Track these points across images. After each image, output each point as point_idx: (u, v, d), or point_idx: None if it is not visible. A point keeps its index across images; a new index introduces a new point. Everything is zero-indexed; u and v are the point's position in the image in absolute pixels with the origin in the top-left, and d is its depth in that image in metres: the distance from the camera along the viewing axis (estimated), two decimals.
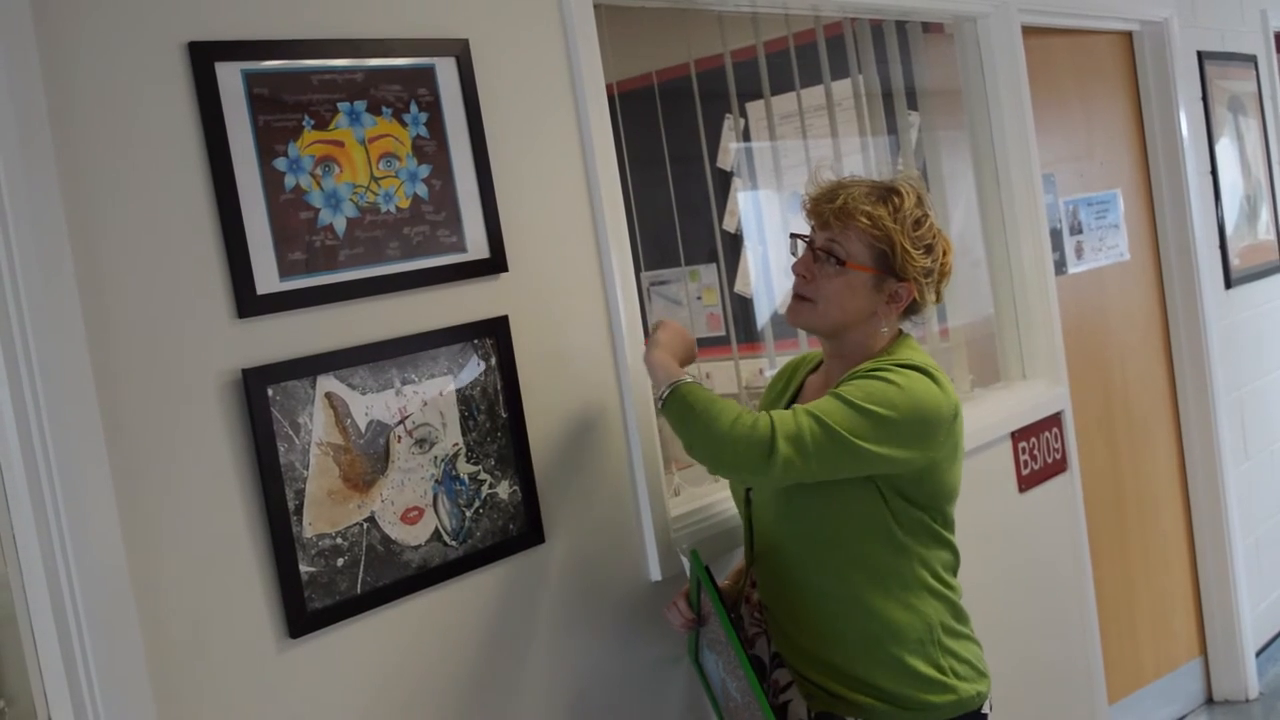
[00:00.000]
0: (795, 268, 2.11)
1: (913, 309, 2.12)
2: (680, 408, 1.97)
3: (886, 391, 1.96)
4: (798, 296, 2.11)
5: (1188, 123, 4.29)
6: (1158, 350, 4.29)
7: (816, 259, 2.08)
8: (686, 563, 2.16)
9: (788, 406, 2.18)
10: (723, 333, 3.80)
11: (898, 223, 2.04)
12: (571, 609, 2.21)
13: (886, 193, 2.08)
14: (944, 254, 2.12)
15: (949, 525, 2.12)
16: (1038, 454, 3.37)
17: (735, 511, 2.29)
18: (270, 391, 1.81)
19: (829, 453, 1.92)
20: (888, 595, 2.04)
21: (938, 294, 2.14)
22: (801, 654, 2.09)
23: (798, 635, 2.10)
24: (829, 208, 2.07)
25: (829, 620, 2.06)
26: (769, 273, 3.68)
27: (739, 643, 2.00)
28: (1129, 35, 4.24)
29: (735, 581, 2.31)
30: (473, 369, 2.07)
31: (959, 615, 2.14)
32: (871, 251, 2.05)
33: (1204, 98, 4.45)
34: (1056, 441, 3.45)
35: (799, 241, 2.13)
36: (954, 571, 2.14)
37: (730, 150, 3.97)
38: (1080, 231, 3.95)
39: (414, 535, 1.97)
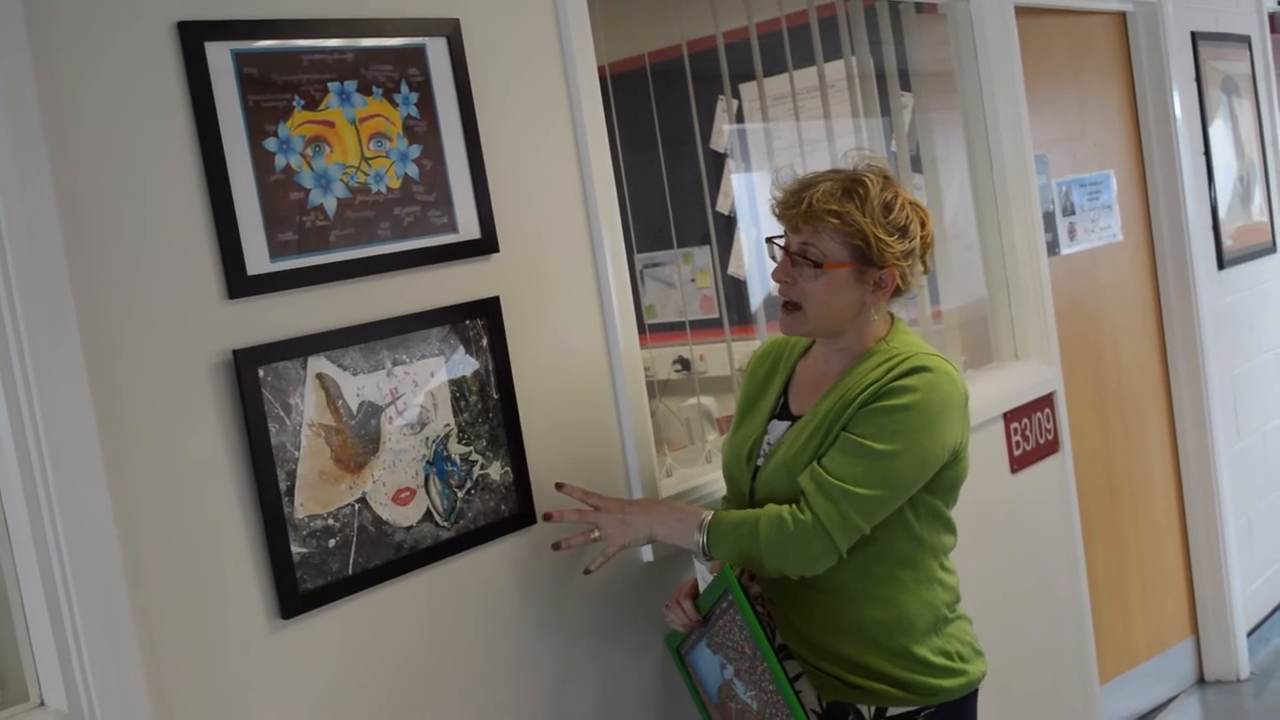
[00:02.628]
0: (775, 275, 2.09)
1: (899, 291, 2.10)
2: (727, 546, 2.02)
3: (902, 422, 1.97)
4: (785, 305, 2.09)
5: (1181, 104, 4.29)
6: (1150, 331, 4.30)
7: (794, 263, 2.06)
8: (700, 567, 2.15)
9: (780, 396, 2.19)
10: (716, 315, 3.80)
11: (867, 214, 2.01)
12: (562, 589, 2.21)
13: (851, 185, 2.04)
14: (922, 227, 2.08)
15: (954, 503, 2.14)
16: (1030, 435, 3.37)
17: (726, 492, 2.28)
18: (261, 372, 1.81)
19: (878, 512, 1.99)
20: (901, 587, 2.06)
21: (925, 265, 2.13)
22: (810, 645, 2.10)
23: (805, 627, 2.10)
24: (796, 212, 2.04)
25: (840, 613, 2.06)
26: (763, 254, 3.67)
27: (777, 661, 2.00)
28: (1123, 15, 4.24)
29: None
30: (464, 350, 2.07)
31: (956, 599, 2.16)
32: (847, 247, 2.03)
33: (1198, 79, 4.44)
34: (1049, 422, 3.46)
35: (775, 246, 2.11)
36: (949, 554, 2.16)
37: (724, 131, 3.96)
38: (1073, 213, 3.95)
39: (406, 516, 1.97)
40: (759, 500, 2.10)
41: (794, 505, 1.98)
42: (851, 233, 2.02)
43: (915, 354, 2.05)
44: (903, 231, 2.05)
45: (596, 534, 2.10)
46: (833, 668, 2.07)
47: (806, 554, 1.97)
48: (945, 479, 2.07)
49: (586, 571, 2.13)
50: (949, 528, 2.13)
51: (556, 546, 2.11)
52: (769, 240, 2.12)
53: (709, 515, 2.05)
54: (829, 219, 2.02)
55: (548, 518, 2.11)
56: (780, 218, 2.10)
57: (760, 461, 2.13)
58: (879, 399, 1.99)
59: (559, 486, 2.12)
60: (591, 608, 2.26)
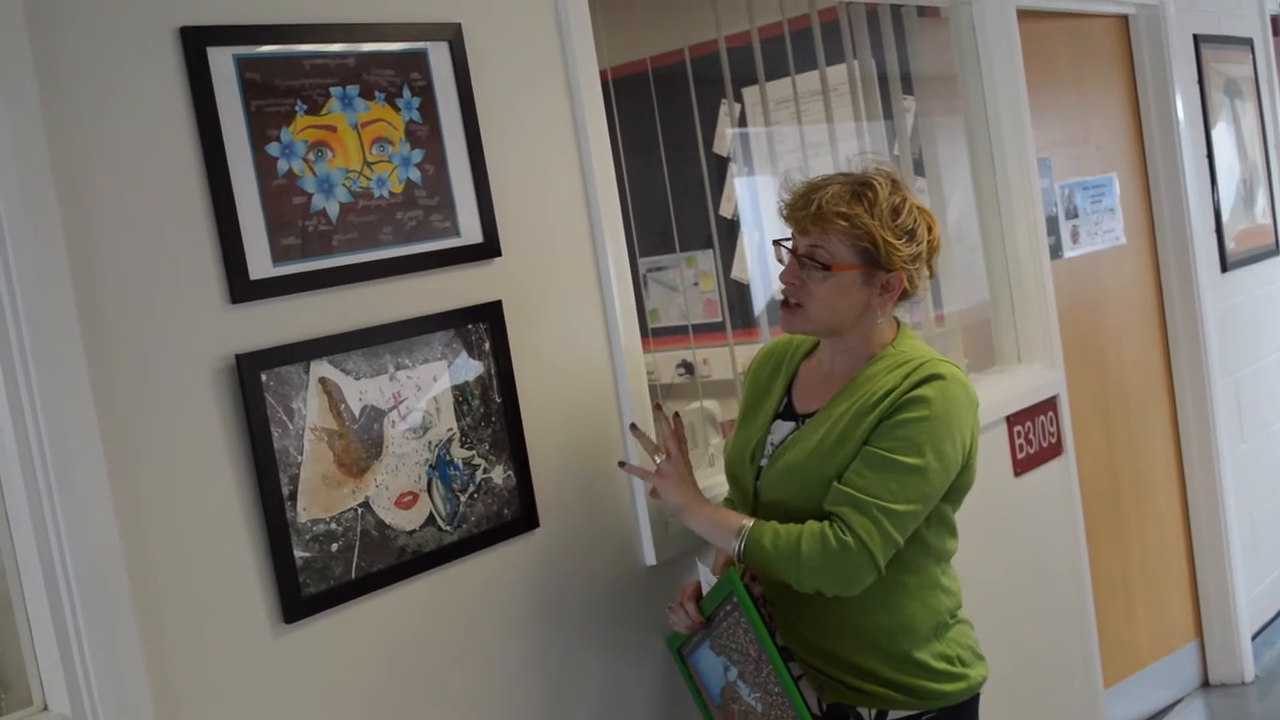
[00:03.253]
0: (783, 276, 2.09)
1: (906, 295, 2.10)
2: (763, 557, 1.99)
3: (926, 433, 1.97)
4: (787, 304, 2.09)
5: (1184, 106, 4.29)
6: (1154, 334, 4.30)
7: (802, 265, 2.06)
8: (703, 569, 2.14)
9: (784, 396, 2.19)
10: (720, 318, 3.81)
11: (876, 217, 2.02)
12: (565, 593, 2.21)
13: (860, 188, 2.05)
14: (929, 231, 2.09)
15: (959, 508, 2.14)
16: (1033, 438, 3.37)
17: (729, 494, 2.28)
18: (264, 377, 1.81)
19: (913, 525, 2.00)
20: (906, 592, 2.06)
21: (930, 269, 2.13)
22: (812, 648, 2.09)
23: (808, 630, 2.09)
24: (805, 214, 2.04)
25: (843, 617, 2.06)
26: (765, 258, 3.67)
27: (783, 664, 2.00)
28: (1125, 18, 4.24)
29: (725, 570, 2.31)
30: (466, 354, 2.07)
31: (958, 604, 2.16)
32: (855, 250, 2.03)
33: (1200, 81, 4.44)
34: (1052, 425, 3.46)
35: (782, 249, 2.11)
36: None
37: (726, 135, 3.97)
38: (1076, 216, 3.95)
39: (408, 520, 1.98)
40: (764, 501, 2.10)
41: (832, 524, 1.96)
42: (860, 235, 2.02)
43: (928, 360, 2.05)
44: (910, 235, 2.05)
45: (660, 459, 2.13)
46: (834, 670, 2.07)
47: (850, 574, 1.95)
48: (956, 485, 2.07)
49: (621, 464, 2.21)
50: (953, 533, 2.14)
51: (622, 465, 2.22)
52: (776, 243, 2.12)
53: (749, 523, 2.02)
54: (838, 221, 2.02)
55: (621, 465, 2.21)
56: (788, 220, 2.10)
57: (764, 462, 2.13)
58: (899, 410, 1.99)
59: (633, 428, 2.22)
60: (594, 611, 2.26)
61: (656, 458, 2.13)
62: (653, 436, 2.21)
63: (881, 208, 2.03)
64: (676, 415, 2.15)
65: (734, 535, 2.02)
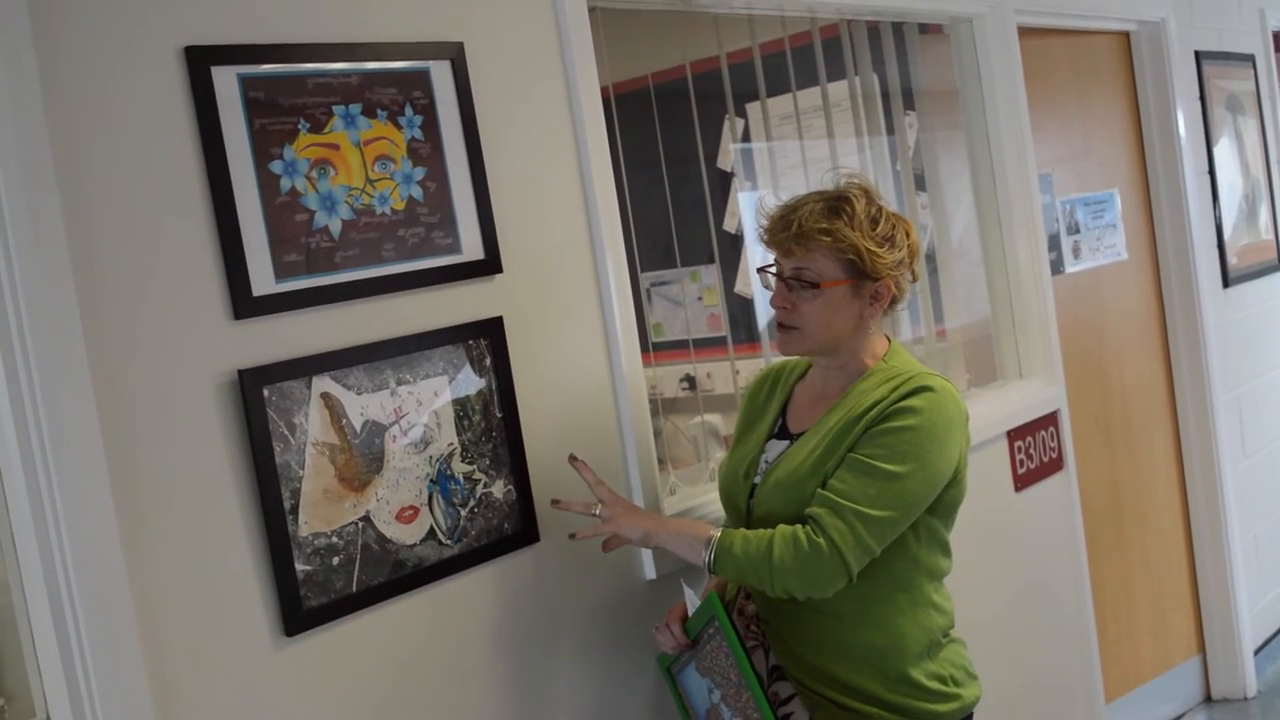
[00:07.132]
0: (773, 301, 2.11)
1: (895, 301, 2.12)
2: (734, 564, 2.00)
3: (911, 442, 1.98)
4: (783, 326, 2.11)
5: (1185, 122, 4.30)
6: (1155, 349, 4.30)
7: (790, 288, 2.08)
8: (689, 591, 2.15)
9: (778, 418, 2.21)
10: (723, 333, 3.82)
11: (856, 228, 2.04)
12: (565, 607, 2.23)
13: (837, 202, 2.07)
14: (907, 236, 2.11)
15: (952, 527, 2.15)
16: (1034, 453, 3.38)
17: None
18: (266, 392, 1.83)
19: (890, 533, 1.99)
20: (896, 610, 2.07)
21: (914, 273, 2.15)
22: (804, 667, 2.10)
23: (801, 649, 2.10)
24: (786, 235, 2.06)
25: (835, 635, 2.07)
26: None
27: (760, 690, 2.00)
28: (1126, 35, 4.25)
29: (719, 590, 2.30)
30: (467, 370, 2.09)
31: (951, 623, 2.17)
32: (840, 264, 2.05)
33: (1201, 97, 4.45)
34: (1053, 440, 3.47)
35: (768, 275, 2.13)
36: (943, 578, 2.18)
37: (730, 151, 3.98)
38: (1077, 231, 3.96)
39: (409, 534, 1.99)
40: (756, 517, 2.11)
41: (806, 527, 1.98)
42: (844, 249, 2.04)
43: (917, 374, 2.07)
44: (891, 241, 2.08)
45: (598, 509, 2.08)
46: (826, 690, 2.07)
47: (819, 575, 1.96)
48: (945, 500, 2.08)
49: (571, 536, 2.10)
50: (946, 552, 2.14)
51: (573, 536, 2.10)
52: (761, 270, 2.14)
53: (717, 532, 2.03)
54: (821, 238, 2.04)
55: (555, 503, 2.11)
56: (769, 244, 2.12)
57: (757, 479, 2.15)
58: (885, 419, 2.01)
59: (572, 459, 2.12)
60: (591, 626, 2.27)
61: (594, 510, 2.09)
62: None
63: (860, 218, 2.05)
64: (573, 457, 2.12)
65: (703, 546, 2.03)
